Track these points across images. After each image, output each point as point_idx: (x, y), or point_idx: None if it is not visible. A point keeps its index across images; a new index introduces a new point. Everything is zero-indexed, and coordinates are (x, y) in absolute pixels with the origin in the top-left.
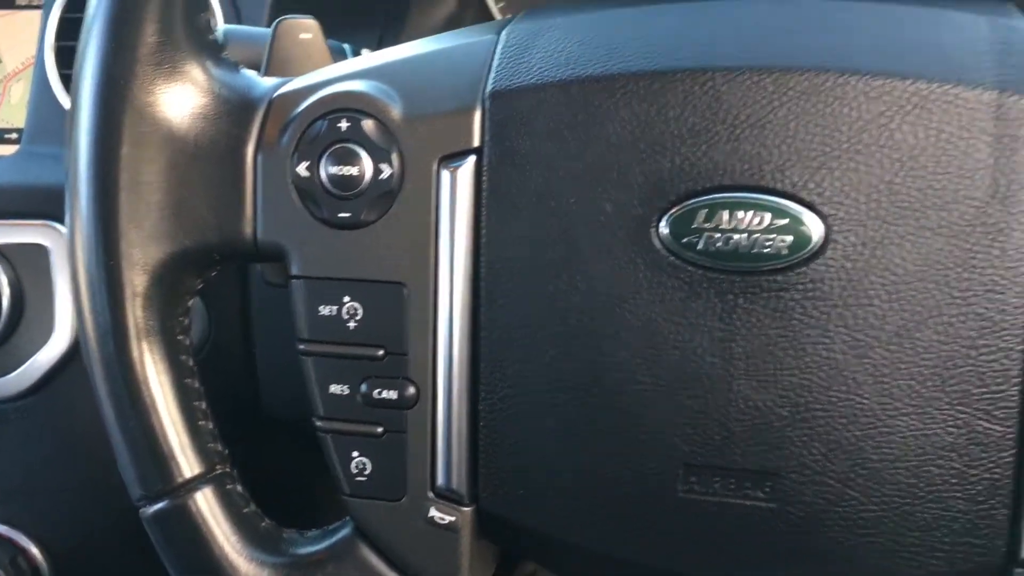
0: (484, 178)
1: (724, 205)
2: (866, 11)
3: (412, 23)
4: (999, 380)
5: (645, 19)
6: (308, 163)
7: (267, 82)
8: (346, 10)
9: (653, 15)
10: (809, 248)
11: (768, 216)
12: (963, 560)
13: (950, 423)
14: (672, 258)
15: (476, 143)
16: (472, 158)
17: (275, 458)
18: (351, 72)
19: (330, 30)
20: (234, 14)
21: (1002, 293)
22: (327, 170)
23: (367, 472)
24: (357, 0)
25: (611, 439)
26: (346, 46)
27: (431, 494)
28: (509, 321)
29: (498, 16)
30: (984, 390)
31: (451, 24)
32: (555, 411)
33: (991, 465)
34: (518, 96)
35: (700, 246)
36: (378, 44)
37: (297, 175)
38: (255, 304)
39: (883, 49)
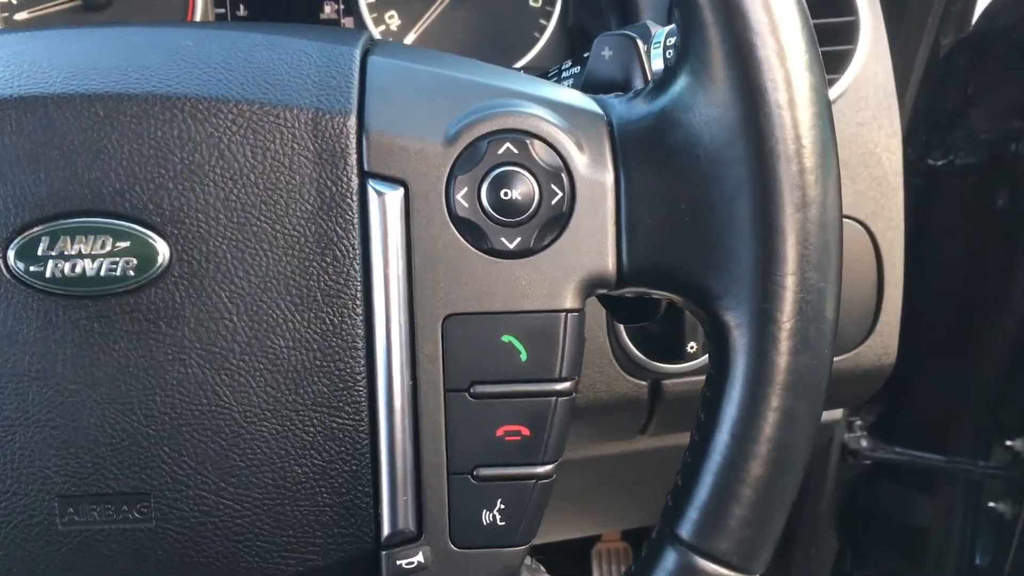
0: None
1: (65, 231)
2: (205, 39)
3: None
4: (347, 378)
5: None
6: None
7: None
8: None
9: None
10: (156, 268)
11: (110, 240)
12: (337, 550)
13: (307, 424)
14: (23, 288)
15: None
16: None
17: None
18: None
19: None
20: None
21: (339, 297)
22: None
23: None
24: None
25: None
26: None
27: None
28: None
29: None
30: (334, 388)
31: None
32: None
33: (349, 458)
34: None
35: (48, 274)
36: None
37: None
38: None
39: (213, 74)
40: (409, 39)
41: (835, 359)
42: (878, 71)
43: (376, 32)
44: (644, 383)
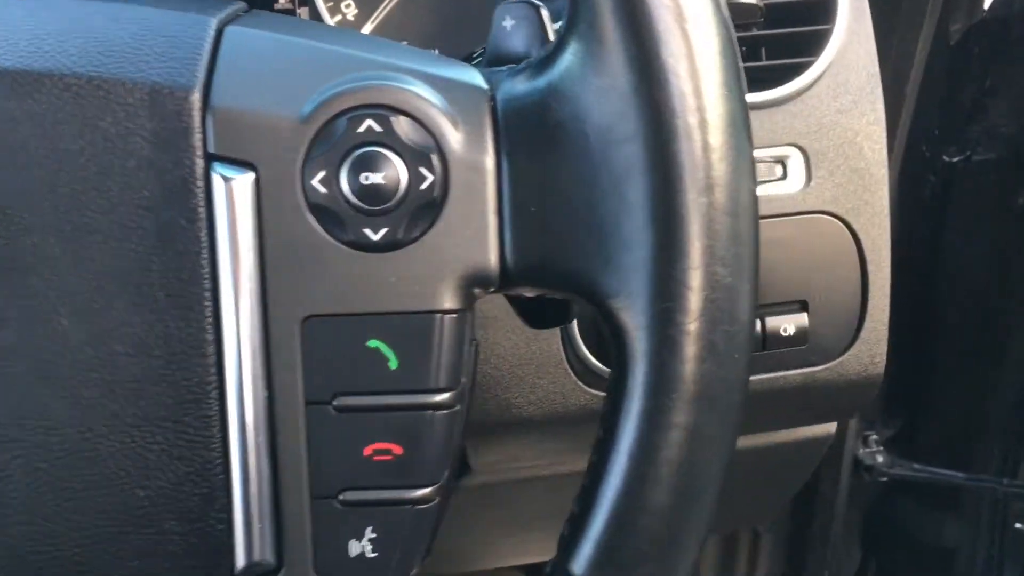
0: None
1: None
2: (39, 7)
3: None
4: (195, 389)
5: None
6: None
7: None
8: None
9: None
10: None
11: None
12: None
13: (151, 441)
14: None
15: None
16: None
17: None
18: None
19: None
20: None
21: (184, 297)
22: None
23: None
24: None
25: None
26: None
27: None
28: None
29: None
30: (181, 401)
31: None
32: None
33: (199, 480)
34: None
35: None
36: None
37: None
38: None
39: (42, 46)
40: (367, 29)
41: (817, 369)
42: (859, 53)
43: (331, 22)
44: (603, 394)
